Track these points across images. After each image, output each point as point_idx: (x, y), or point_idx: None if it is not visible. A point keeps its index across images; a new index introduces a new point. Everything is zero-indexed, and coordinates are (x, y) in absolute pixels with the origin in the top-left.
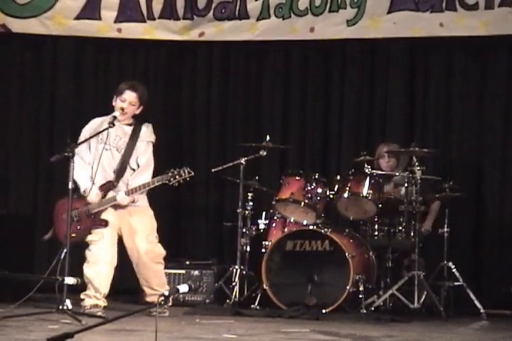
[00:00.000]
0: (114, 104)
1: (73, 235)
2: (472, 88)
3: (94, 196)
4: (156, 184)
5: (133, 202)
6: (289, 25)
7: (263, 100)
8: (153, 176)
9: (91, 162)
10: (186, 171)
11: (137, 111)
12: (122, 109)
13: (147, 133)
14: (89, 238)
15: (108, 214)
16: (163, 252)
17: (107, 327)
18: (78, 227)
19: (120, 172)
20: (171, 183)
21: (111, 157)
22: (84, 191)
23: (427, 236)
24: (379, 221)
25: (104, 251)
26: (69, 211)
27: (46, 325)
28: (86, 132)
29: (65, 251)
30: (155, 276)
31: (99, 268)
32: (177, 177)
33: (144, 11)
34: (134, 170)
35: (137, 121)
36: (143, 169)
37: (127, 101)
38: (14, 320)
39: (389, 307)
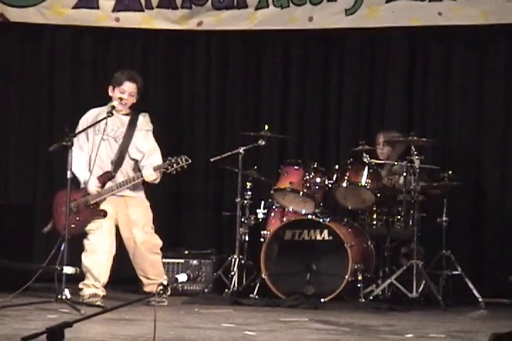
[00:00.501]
0: (111, 94)
1: (72, 226)
2: (471, 77)
3: (93, 186)
4: (157, 172)
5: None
6: (288, 14)
7: (262, 89)
8: None
9: (89, 152)
10: (184, 159)
11: (134, 101)
12: (121, 99)
13: (144, 122)
14: (87, 227)
15: (105, 205)
16: (159, 243)
17: (105, 316)
18: (77, 218)
19: (118, 162)
20: (169, 171)
21: (109, 147)
22: (84, 182)
23: (426, 224)
24: (377, 210)
25: (103, 240)
26: (67, 201)
27: (45, 315)
28: (84, 122)
29: (64, 242)
30: (151, 266)
31: (98, 257)
32: (174, 165)
33: (142, 0)
34: (133, 159)
35: (134, 111)
36: (150, 153)
37: (127, 92)
38: (13, 309)
39: (387, 297)
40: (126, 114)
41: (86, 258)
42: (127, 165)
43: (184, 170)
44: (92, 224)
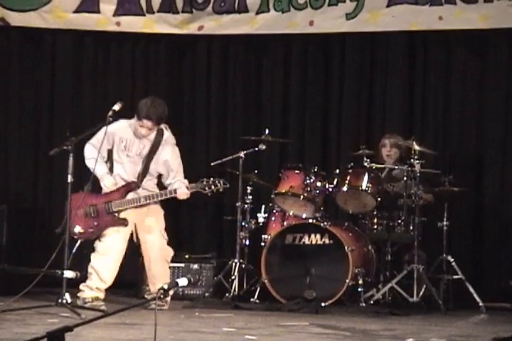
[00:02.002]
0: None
1: (90, 230)
2: (472, 81)
3: (110, 183)
4: (191, 191)
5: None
6: (289, 18)
7: (263, 94)
8: None
9: (109, 164)
10: (222, 182)
11: (156, 130)
12: (142, 133)
13: (170, 136)
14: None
15: (126, 211)
16: (172, 252)
17: (106, 320)
18: (96, 223)
19: (143, 175)
20: (206, 192)
21: (134, 163)
22: (101, 177)
23: (426, 229)
24: (378, 214)
25: (117, 244)
26: (68, 204)
27: (45, 319)
28: (106, 132)
29: (76, 245)
30: (164, 275)
31: (109, 260)
32: (212, 186)
33: (143, 5)
34: (155, 172)
35: (159, 128)
36: (178, 170)
37: (145, 127)
38: (13, 313)
39: (388, 301)
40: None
41: (96, 260)
42: (149, 178)
43: (220, 192)
44: (110, 228)
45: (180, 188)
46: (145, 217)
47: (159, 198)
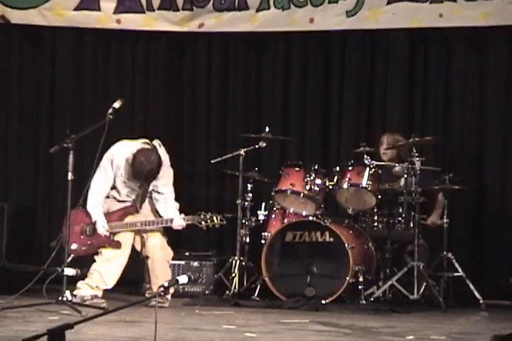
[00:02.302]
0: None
1: (83, 248)
2: (472, 79)
3: (102, 228)
4: (187, 223)
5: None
6: (289, 16)
7: (263, 91)
8: None
9: (107, 190)
10: (219, 218)
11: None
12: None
13: (165, 158)
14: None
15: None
16: (172, 252)
17: (106, 318)
18: (89, 242)
19: (142, 198)
20: (201, 226)
21: (130, 189)
22: (95, 221)
23: (434, 229)
24: (378, 212)
25: (122, 250)
26: (68, 206)
27: (46, 316)
28: (110, 159)
29: (69, 259)
30: (165, 275)
31: (114, 266)
32: (209, 221)
33: (143, 2)
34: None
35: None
36: (170, 196)
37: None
38: (14, 311)
39: (388, 298)
40: None
41: (102, 264)
42: (147, 201)
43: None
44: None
45: (177, 220)
46: (147, 218)
47: (155, 226)
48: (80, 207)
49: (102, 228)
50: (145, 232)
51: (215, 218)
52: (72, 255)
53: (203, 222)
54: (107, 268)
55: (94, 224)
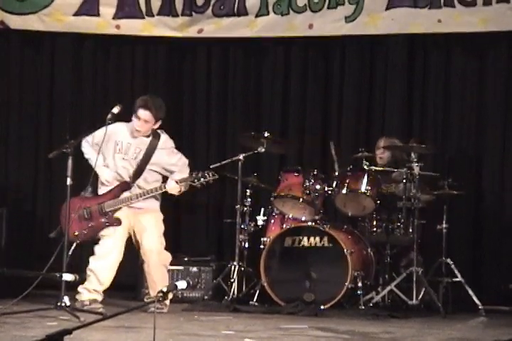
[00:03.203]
0: (132, 118)
1: (84, 232)
2: (471, 84)
3: (108, 177)
4: (181, 184)
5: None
6: (288, 21)
7: (262, 96)
8: None
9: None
10: (210, 174)
11: (154, 127)
12: (137, 128)
13: (167, 141)
14: (101, 233)
15: (121, 213)
16: (170, 257)
17: (105, 323)
18: (90, 225)
19: (136, 175)
20: (195, 184)
21: (128, 165)
22: (106, 180)
23: (425, 231)
24: (377, 217)
25: (114, 246)
26: (67, 207)
27: (45, 322)
28: (102, 132)
29: (72, 247)
30: (163, 280)
31: (107, 262)
32: (201, 179)
33: (142, 8)
34: (154, 173)
35: (155, 132)
36: (181, 169)
37: (141, 119)
38: (13, 316)
39: (387, 304)
40: (147, 136)
41: (94, 262)
42: (144, 180)
43: (209, 184)
44: (106, 230)
45: (170, 183)
46: (143, 221)
47: (149, 194)
48: (74, 195)
49: (110, 176)
50: (142, 235)
51: (206, 174)
52: (76, 241)
53: (196, 181)
54: (100, 266)
55: (98, 205)
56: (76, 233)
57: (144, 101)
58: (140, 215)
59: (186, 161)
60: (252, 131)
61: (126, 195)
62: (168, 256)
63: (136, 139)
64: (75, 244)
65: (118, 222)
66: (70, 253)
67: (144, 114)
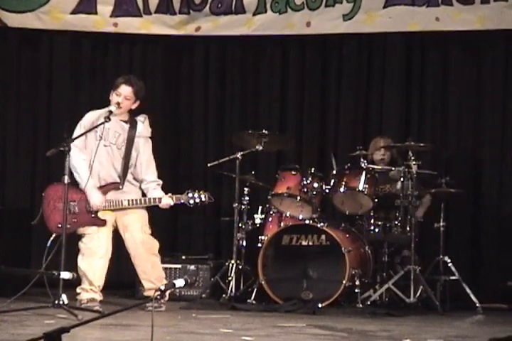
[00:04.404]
0: (110, 98)
1: (68, 226)
2: (469, 83)
3: (97, 202)
4: (175, 202)
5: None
6: (286, 19)
7: (260, 95)
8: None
9: (86, 158)
10: (207, 196)
11: (133, 106)
12: (118, 104)
13: (144, 128)
14: (86, 231)
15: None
16: (157, 244)
17: (103, 321)
18: (74, 220)
19: (124, 172)
20: (189, 205)
21: (111, 153)
22: (85, 187)
23: (423, 229)
24: (375, 215)
25: (99, 244)
26: (65, 205)
27: (42, 320)
28: (83, 125)
29: (51, 239)
30: (153, 268)
31: (94, 261)
32: (197, 200)
33: (140, 6)
34: (133, 167)
35: (133, 117)
36: (148, 166)
37: (122, 95)
38: (10, 314)
39: (385, 302)
40: (126, 121)
41: (82, 262)
42: (130, 175)
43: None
44: (89, 228)
45: (165, 198)
46: (125, 212)
47: (142, 205)
48: (59, 183)
49: (99, 202)
50: (123, 229)
51: (202, 196)
52: (56, 233)
53: (191, 201)
54: (88, 265)
55: (86, 200)
56: (59, 226)
57: (126, 78)
58: (122, 212)
59: (152, 159)
60: (250, 129)
61: (113, 195)
62: (154, 244)
63: (114, 124)
64: (53, 236)
65: (103, 223)
66: (48, 245)
67: (125, 89)
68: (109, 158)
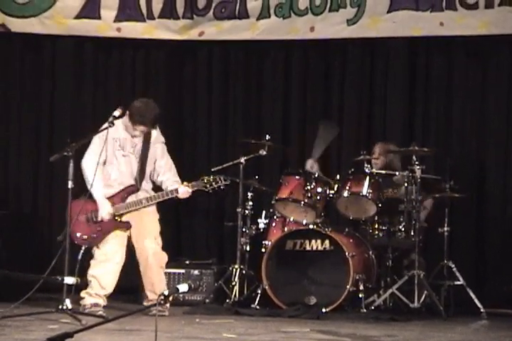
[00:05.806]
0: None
1: (94, 236)
2: (473, 87)
3: (106, 213)
4: (193, 189)
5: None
6: (289, 24)
7: (263, 99)
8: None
9: (100, 167)
10: (222, 178)
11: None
12: (135, 136)
13: (158, 135)
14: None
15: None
16: (166, 257)
17: (106, 326)
18: (99, 229)
19: (141, 176)
20: (207, 190)
21: (129, 163)
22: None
23: (427, 235)
24: (379, 220)
25: (115, 250)
26: (68, 210)
27: (46, 325)
28: (100, 139)
29: (81, 251)
30: (160, 281)
31: (109, 266)
32: (213, 184)
33: (143, 11)
34: (149, 173)
35: None
36: (168, 168)
37: (138, 130)
38: (14, 319)
39: (389, 307)
40: None
41: (96, 267)
42: (147, 180)
43: (221, 190)
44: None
45: (182, 188)
46: (140, 222)
47: (161, 199)
48: (80, 197)
49: (107, 213)
50: (138, 236)
51: (218, 179)
52: (85, 245)
53: (208, 186)
54: (102, 271)
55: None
56: (85, 237)
57: (141, 117)
58: (136, 217)
59: (172, 162)
60: (254, 134)
61: (132, 198)
62: (163, 257)
63: (129, 136)
64: (84, 248)
65: (128, 225)
66: (80, 257)
67: (141, 128)
68: (130, 168)
